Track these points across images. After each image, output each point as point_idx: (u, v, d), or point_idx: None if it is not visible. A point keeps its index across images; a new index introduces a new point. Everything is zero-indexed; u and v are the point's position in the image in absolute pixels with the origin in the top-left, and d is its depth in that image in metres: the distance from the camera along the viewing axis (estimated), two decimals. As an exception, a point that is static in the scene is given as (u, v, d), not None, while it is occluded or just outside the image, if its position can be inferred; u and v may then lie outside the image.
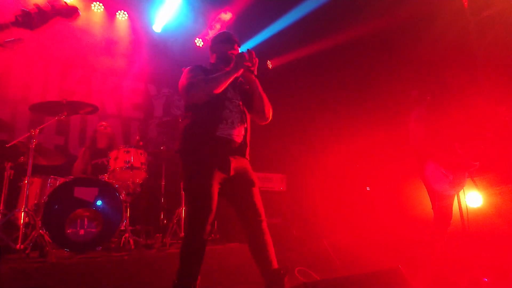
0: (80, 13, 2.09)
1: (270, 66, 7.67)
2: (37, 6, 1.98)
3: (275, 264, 2.26)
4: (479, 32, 5.02)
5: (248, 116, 2.52)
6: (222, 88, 2.27)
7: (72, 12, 2.03)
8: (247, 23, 6.85)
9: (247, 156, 2.45)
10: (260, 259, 2.28)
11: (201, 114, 2.33)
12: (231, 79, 2.29)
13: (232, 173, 2.29)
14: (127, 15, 6.18)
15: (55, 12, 2.02)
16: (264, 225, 2.32)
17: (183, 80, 2.38)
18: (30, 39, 5.00)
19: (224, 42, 2.54)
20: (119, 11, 6.13)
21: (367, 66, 6.61)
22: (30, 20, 1.98)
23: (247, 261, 3.56)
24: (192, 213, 2.23)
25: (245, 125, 2.45)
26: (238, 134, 2.38)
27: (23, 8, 1.98)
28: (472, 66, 4.99)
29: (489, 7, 4.91)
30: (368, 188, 6.52)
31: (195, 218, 2.20)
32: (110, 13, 6.07)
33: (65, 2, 2.03)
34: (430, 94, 3.41)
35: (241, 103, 2.46)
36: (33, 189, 3.66)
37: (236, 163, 2.34)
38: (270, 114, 2.53)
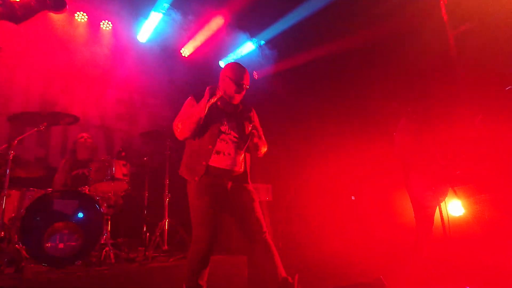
0: (67, 8, 1.99)
1: (256, 76, 7.72)
2: None
3: (283, 273, 2.38)
4: (458, 45, 5.15)
5: (247, 144, 2.63)
6: (194, 125, 2.42)
7: (60, 4, 1.90)
8: (234, 32, 6.91)
9: (249, 182, 2.63)
10: (268, 270, 2.38)
11: (198, 146, 2.51)
12: (201, 112, 2.43)
13: (228, 193, 2.49)
14: (111, 25, 6.15)
15: (41, 4, 1.84)
16: (268, 237, 2.47)
17: (177, 116, 2.59)
18: (10, 48, 4.92)
19: (230, 80, 2.61)
20: (103, 21, 6.09)
21: (352, 77, 6.71)
22: (14, 12, 1.77)
23: (229, 273, 3.53)
24: (194, 227, 2.45)
25: (243, 155, 2.60)
26: (236, 163, 2.54)
27: None
28: (452, 78, 5.11)
29: (468, 21, 5.06)
30: (353, 198, 6.56)
31: (196, 230, 2.43)
32: (94, 23, 6.03)
33: None
34: (411, 106, 3.48)
35: (237, 135, 2.59)
36: (10, 202, 3.53)
37: (234, 184, 2.52)
38: (262, 154, 2.69)
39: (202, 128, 2.49)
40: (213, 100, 2.45)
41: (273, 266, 2.38)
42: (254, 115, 2.79)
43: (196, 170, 2.46)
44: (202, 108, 2.43)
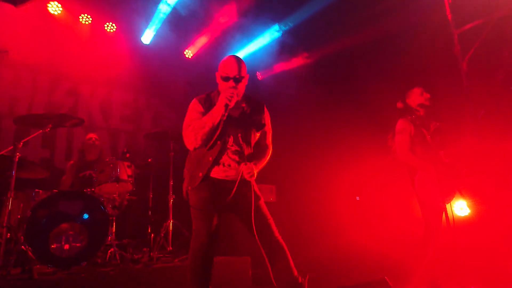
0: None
1: (259, 77, 7.72)
2: None
3: (295, 272, 2.38)
4: (462, 44, 5.13)
5: (251, 148, 2.52)
6: (207, 134, 2.34)
7: None
8: (237, 34, 6.91)
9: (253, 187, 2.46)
10: (281, 269, 2.37)
11: (198, 155, 2.44)
12: (216, 122, 2.33)
13: (231, 198, 2.40)
14: (115, 27, 6.18)
15: None
16: (279, 236, 2.44)
17: (184, 123, 2.49)
18: (15, 50, 4.96)
19: (222, 80, 2.46)
20: (107, 23, 6.13)
21: (354, 77, 6.70)
22: None
23: (233, 274, 3.53)
24: (193, 223, 2.43)
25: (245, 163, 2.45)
26: (236, 174, 2.41)
27: None
28: (457, 76, 5.08)
29: (472, 20, 5.03)
30: (357, 198, 6.54)
31: (195, 225, 2.42)
32: (99, 25, 6.06)
33: None
34: (414, 105, 3.46)
35: (242, 145, 2.44)
36: (16, 204, 3.58)
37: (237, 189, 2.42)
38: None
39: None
40: (225, 110, 2.30)
41: (286, 267, 2.36)
42: (264, 116, 2.62)
43: (194, 179, 2.41)
44: (215, 117, 2.31)
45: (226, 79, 2.42)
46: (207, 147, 2.41)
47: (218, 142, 2.40)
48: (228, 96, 2.31)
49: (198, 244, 2.37)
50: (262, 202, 2.48)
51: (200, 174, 2.39)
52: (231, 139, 2.43)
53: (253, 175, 2.38)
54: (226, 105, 2.30)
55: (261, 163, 2.55)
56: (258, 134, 2.57)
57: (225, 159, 2.42)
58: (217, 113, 2.32)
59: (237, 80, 2.41)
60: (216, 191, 2.40)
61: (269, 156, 2.62)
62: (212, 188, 2.40)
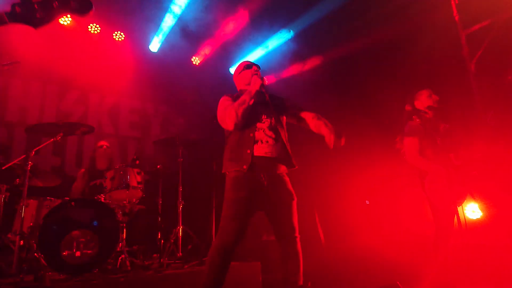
0: (93, 11, 1.58)
1: (266, 82, 7.75)
2: None
3: (300, 281, 2.42)
4: (470, 45, 5.09)
5: (284, 130, 2.69)
6: (247, 111, 2.52)
7: (85, 7, 1.55)
8: (243, 40, 6.96)
9: (295, 164, 2.63)
10: (289, 274, 2.42)
11: (239, 137, 2.57)
12: (251, 98, 2.53)
13: (266, 189, 2.48)
14: (124, 35, 6.26)
15: (64, 6, 1.52)
16: (299, 241, 2.49)
17: (218, 111, 2.66)
18: (26, 60, 5.05)
19: (245, 69, 2.79)
20: (116, 32, 6.21)
21: (362, 81, 6.68)
22: (33, 12, 1.50)
23: (243, 279, 3.53)
24: (222, 220, 2.44)
25: (281, 140, 2.60)
26: (275, 150, 2.55)
27: None
28: (465, 78, 5.04)
29: (480, 20, 5.00)
30: (367, 202, 6.49)
31: (224, 223, 2.42)
32: (107, 34, 6.15)
33: None
34: (423, 107, 3.44)
35: (273, 120, 2.63)
36: (28, 211, 3.62)
37: (273, 177, 2.52)
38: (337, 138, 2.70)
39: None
40: (261, 87, 2.54)
41: (295, 272, 2.40)
42: (286, 100, 2.86)
43: (243, 159, 2.48)
44: (252, 95, 2.53)
45: (249, 66, 2.78)
46: (245, 126, 2.56)
47: (253, 119, 2.58)
48: (260, 76, 2.63)
49: (222, 242, 2.38)
50: (294, 203, 2.53)
51: (248, 151, 2.48)
52: (263, 117, 2.62)
53: (340, 135, 2.57)
54: (262, 85, 2.54)
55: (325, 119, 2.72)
56: (286, 106, 2.78)
57: (261, 136, 2.55)
58: (253, 91, 2.53)
59: (258, 66, 2.80)
60: (255, 183, 2.45)
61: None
62: (252, 184, 2.45)
